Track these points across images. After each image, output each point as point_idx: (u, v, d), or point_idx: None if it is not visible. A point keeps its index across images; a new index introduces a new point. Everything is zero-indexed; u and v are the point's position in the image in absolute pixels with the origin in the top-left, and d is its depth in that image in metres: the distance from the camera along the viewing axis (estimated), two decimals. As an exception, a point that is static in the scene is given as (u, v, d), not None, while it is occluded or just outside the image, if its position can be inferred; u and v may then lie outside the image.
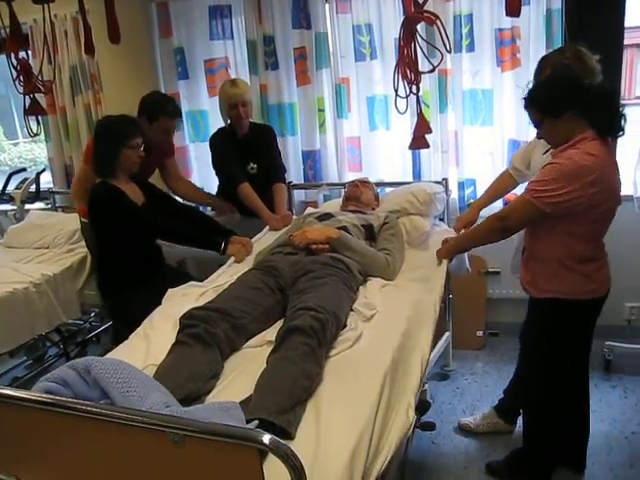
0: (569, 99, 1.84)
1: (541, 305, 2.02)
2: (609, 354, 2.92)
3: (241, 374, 1.64)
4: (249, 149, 3.05)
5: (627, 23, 2.92)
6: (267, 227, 2.93)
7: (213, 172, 3.24)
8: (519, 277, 2.34)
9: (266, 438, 0.93)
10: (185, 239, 2.58)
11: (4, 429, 1.21)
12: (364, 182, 2.88)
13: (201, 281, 2.35)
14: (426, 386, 2.38)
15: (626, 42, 2.97)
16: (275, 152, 3.18)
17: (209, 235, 2.61)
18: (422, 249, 2.59)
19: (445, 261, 2.35)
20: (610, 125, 1.85)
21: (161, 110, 2.77)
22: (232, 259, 2.54)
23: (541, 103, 1.88)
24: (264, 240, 2.73)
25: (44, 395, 1.15)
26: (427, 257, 2.48)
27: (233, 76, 3.53)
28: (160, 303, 2.13)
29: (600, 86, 1.92)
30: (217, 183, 3.26)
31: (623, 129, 1.87)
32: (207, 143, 3.28)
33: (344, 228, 2.35)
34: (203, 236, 2.59)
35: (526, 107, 1.93)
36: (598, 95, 1.84)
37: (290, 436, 1.31)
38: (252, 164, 3.07)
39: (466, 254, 2.64)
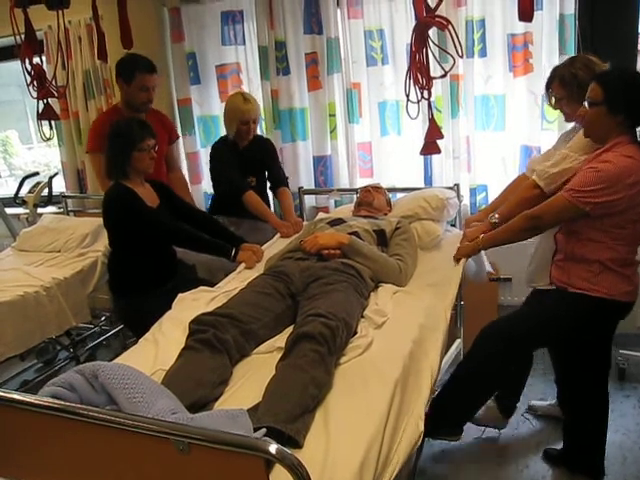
0: (636, 106, 1.86)
1: (572, 296, 1.99)
2: (623, 363, 2.87)
3: (250, 380, 1.63)
4: (249, 162, 3.05)
5: (640, 29, 2.90)
6: (278, 234, 2.92)
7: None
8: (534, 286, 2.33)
9: (273, 448, 0.92)
10: (196, 245, 2.57)
11: (10, 433, 1.21)
12: (376, 187, 2.86)
13: (212, 286, 2.35)
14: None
15: (640, 47, 2.95)
16: (277, 163, 3.20)
17: (220, 241, 2.60)
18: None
19: (461, 264, 2.33)
20: None
21: (135, 67, 2.79)
22: (242, 265, 2.53)
23: (611, 91, 1.85)
24: (274, 247, 2.72)
25: (50, 400, 1.15)
26: (440, 262, 2.46)
27: (245, 81, 3.55)
28: (171, 307, 2.13)
29: None
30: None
31: None
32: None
33: (355, 233, 2.33)
34: (214, 242, 2.58)
35: (595, 79, 1.90)
36: None
37: (298, 445, 1.29)
38: (251, 177, 3.07)
39: (486, 260, 2.61)
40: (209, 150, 3.63)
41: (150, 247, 2.47)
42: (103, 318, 3.60)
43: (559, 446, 2.35)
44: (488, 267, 2.65)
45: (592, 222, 1.90)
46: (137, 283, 2.49)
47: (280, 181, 3.16)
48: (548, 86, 2.22)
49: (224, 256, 2.55)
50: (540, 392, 2.81)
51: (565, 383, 2.35)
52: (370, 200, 2.74)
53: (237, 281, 2.35)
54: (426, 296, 2.14)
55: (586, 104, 1.92)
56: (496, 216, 2.27)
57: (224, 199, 3.10)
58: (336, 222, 2.50)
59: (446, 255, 2.48)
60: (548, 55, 2.95)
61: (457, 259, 2.35)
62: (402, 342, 1.75)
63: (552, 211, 1.94)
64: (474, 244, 2.28)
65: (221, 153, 3.08)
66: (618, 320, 2.07)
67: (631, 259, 1.98)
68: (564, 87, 2.13)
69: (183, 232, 2.53)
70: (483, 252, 2.48)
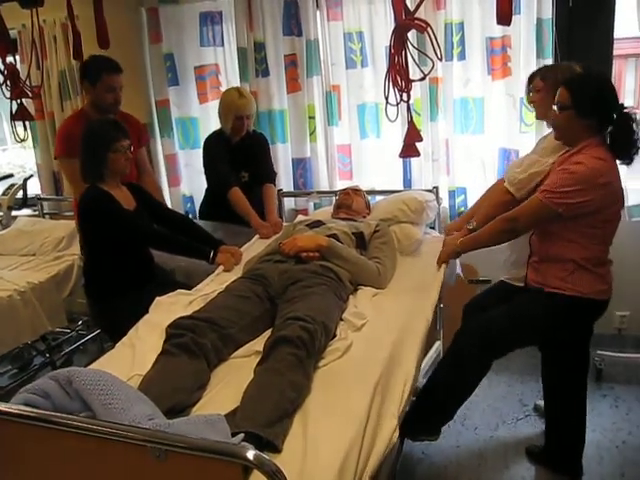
0: (603, 110, 1.89)
1: (549, 297, 2.02)
2: (600, 363, 2.91)
3: (228, 385, 1.61)
4: (242, 156, 3.04)
5: (615, 34, 2.94)
6: (257, 235, 2.90)
7: (203, 180, 3.21)
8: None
9: (250, 454, 0.91)
10: (174, 247, 2.54)
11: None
12: (356, 190, 2.86)
13: (190, 289, 2.33)
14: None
15: (615, 53, 2.98)
16: (267, 158, 3.19)
17: (198, 244, 2.58)
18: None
19: (443, 267, 2.34)
20: (629, 151, 1.92)
21: (100, 68, 2.75)
22: (221, 268, 2.51)
23: (578, 94, 1.88)
24: (253, 248, 2.70)
25: (23, 408, 1.12)
26: (419, 265, 2.47)
27: (224, 83, 3.53)
28: (148, 311, 2.10)
29: (629, 113, 1.92)
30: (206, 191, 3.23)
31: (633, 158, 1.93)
32: (197, 150, 3.25)
33: (334, 236, 2.33)
34: (192, 245, 2.56)
35: (563, 84, 1.93)
36: (626, 120, 1.89)
37: (277, 449, 1.28)
38: (244, 172, 3.06)
39: (458, 263, 2.63)
40: (187, 152, 3.63)
41: (126, 250, 2.44)
42: (80, 322, 3.54)
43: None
44: (458, 269, 2.67)
45: (565, 223, 1.93)
46: (113, 287, 2.45)
47: (266, 177, 3.14)
48: (531, 80, 2.26)
49: (202, 258, 2.53)
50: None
51: (544, 382, 2.37)
52: (349, 203, 2.74)
53: (215, 284, 2.32)
54: (406, 298, 2.14)
55: (555, 108, 1.95)
56: (474, 223, 2.30)
57: (216, 198, 3.07)
58: (315, 224, 2.49)
59: (425, 258, 2.49)
60: (526, 59, 2.97)
61: (439, 264, 2.36)
62: (381, 345, 1.75)
63: (527, 212, 1.97)
64: (453, 247, 2.29)
65: (212, 147, 3.07)
66: (594, 319, 2.10)
67: (604, 258, 2.01)
68: (544, 81, 2.17)
69: (160, 235, 2.50)
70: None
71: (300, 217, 3.07)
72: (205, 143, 3.13)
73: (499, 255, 2.49)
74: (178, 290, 2.27)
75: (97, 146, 2.34)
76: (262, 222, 2.95)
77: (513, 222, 2.00)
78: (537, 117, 2.39)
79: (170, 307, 2.09)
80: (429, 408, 2.15)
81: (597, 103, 1.89)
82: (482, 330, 2.08)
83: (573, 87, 1.91)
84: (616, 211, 1.96)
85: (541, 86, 2.20)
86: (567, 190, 1.85)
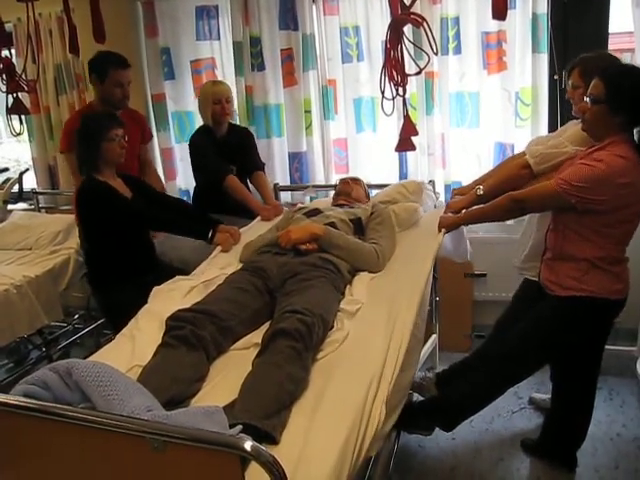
0: (638, 107, 1.82)
1: (563, 302, 2.00)
2: (594, 356, 2.92)
3: (227, 377, 1.62)
4: (229, 151, 3.03)
5: (610, 29, 2.94)
6: (258, 217, 2.90)
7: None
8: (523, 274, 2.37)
9: (248, 445, 0.91)
10: (173, 228, 2.57)
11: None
12: (355, 180, 2.82)
13: (188, 274, 2.32)
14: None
15: (610, 48, 2.99)
16: (254, 149, 3.19)
17: (197, 224, 2.59)
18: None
19: (440, 236, 2.29)
20: None
21: (107, 63, 2.75)
22: (219, 249, 2.51)
23: (613, 88, 1.80)
24: (253, 230, 2.69)
25: (24, 399, 1.13)
26: (418, 241, 2.43)
27: (220, 77, 3.53)
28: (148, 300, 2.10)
29: None
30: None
31: None
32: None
33: (332, 224, 2.30)
34: (191, 225, 2.58)
35: (598, 76, 1.84)
36: None
37: (275, 441, 1.29)
38: (231, 166, 3.05)
39: (466, 236, 2.58)
40: (184, 146, 3.62)
41: (127, 238, 2.46)
42: (76, 316, 3.56)
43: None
44: (469, 246, 2.61)
45: (582, 219, 1.88)
46: (116, 275, 2.47)
47: (255, 167, 3.14)
48: (570, 71, 2.14)
49: (201, 238, 2.54)
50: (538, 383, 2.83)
51: (554, 381, 2.37)
52: (349, 190, 2.70)
53: (214, 267, 2.32)
54: (403, 278, 2.12)
55: (588, 100, 1.86)
56: (481, 187, 2.25)
57: (207, 194, 3.06)
58: (313, 213, 2.47)
59: (424, 233, 2.45)
60: (521, 53, 2.98)
61: (439, 230, 2.31)
62: (377, 333, 1.75)
63: (537, 197, 1.95)
64: (456, 218, 2.26)
65: (199, 142, 3.06)
66: (612, 318, 2.07)
67: (620, 257, 1.96)
68: (583, 78, 2.03)
69: (159, 217, 2.53)
70: (464, 228, 2.44)
71: (299, 204, 3.05)
72: (191, 140, 3.11)
73: (494, 249, 2.49)
74: (177, 277, 2.26)
75: (91, 136, 2.36)
76: (263, 205, 2.96)
77: (521, 203, 1.97)
78: (573, 112, 2.18)
79: (169, 294, 2.09)
80: (434, 411, 2.23)
81: (633, 100, 1.80)
82: (507, 346, 2.13)
83: (609, 80, 1.80)
84: (636, 211, 1.89)
85: (580, 84, 2.04)
86: (582, 186, 1.80)
